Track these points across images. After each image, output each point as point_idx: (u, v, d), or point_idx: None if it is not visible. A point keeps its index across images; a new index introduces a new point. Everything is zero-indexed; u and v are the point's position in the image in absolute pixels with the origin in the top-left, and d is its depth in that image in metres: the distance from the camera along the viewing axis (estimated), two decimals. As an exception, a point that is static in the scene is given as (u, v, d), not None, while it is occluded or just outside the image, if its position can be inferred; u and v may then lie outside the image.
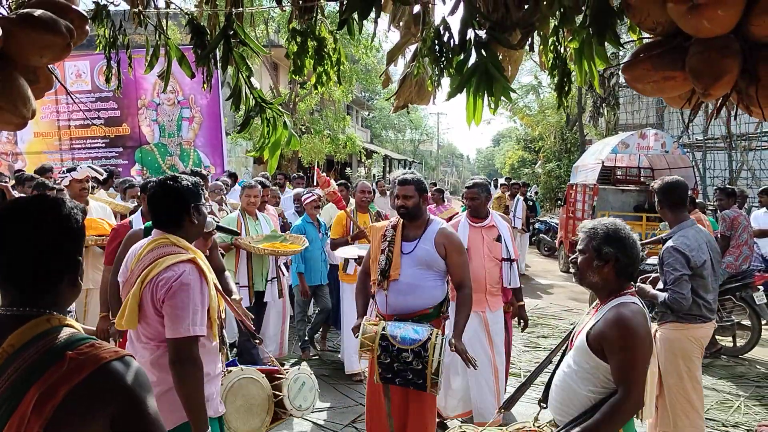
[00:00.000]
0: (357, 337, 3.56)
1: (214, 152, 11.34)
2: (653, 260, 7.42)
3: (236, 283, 5.33)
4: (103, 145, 11.41)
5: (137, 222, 4.38)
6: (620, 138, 10.61)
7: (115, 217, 5.65)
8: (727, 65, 1.47)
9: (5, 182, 5.56)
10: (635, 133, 10.58)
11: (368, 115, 39.74)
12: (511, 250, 4.56)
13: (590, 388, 2.35)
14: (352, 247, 5.68)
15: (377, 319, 3.58)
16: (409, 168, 33.10)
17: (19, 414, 1.26)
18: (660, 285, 3.90)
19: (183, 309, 2.27)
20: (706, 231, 3.99)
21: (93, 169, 5.46)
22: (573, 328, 2.66)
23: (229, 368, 2.81)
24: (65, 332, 1.37)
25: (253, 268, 5.53)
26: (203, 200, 2.40)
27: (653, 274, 4.14)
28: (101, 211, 5.33)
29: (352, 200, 6.90)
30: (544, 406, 2.66)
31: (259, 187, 5.88)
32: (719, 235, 6.56)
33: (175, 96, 11.17)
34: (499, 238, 4.55)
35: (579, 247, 2.52)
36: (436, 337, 3.31)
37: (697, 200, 7.15)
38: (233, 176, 10.33)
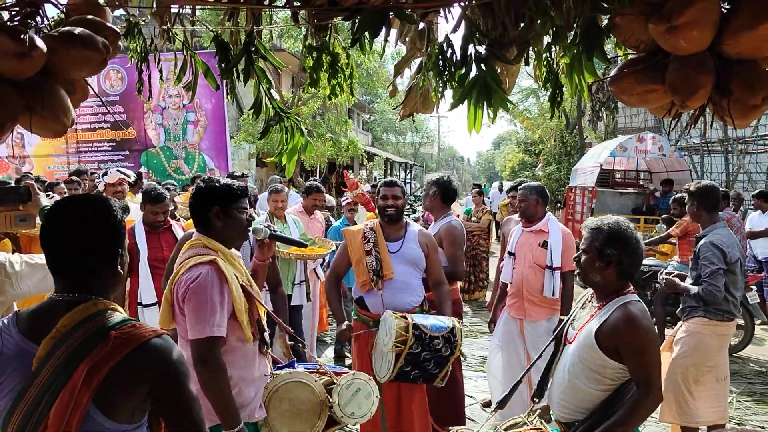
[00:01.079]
0: (345, 337, 3.72)
1: (219, 155, 11.52)
2: (650, 261, 7.61)
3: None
4: (110, 148, 11.60)
5: (138, 226, 4.53)
6: (618, 141, 10.78)
7: None
8: (702, 80, 1.64)
9: (31, 182, 5.75)
10: (633, 136, 10.75)
11: (369, 118, 39.93)
12: (556, 258, 4.34)
13: (597, 386, 2.40)
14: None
15: (397, 313, 3.52)
16: (410, 171, 32.96)
17: (70, 386, 1.43)
18: (689, 280, 4.12)
19: (200, 310, 2.32)
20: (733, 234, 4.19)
21: (122, 172, 5.61)
22: (563, 325, 2.71)
23: (278, 372, 2.72)
24: (110, 315, 1.55)
25: (280, 271, 5.54)
26: (240, 204, 2.44)
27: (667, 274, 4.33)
28: (136, 214, 5.37)
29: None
30: (537, 401, 2.73)
31: (287, 190, 5.90)
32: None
33: (180, 100, 11.35)
34: (544, 244, 4.39)
35: (582, 246, 2.52)
36: (459, 324, 3.48)
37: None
38: (243, 176, 10.50)
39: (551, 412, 2.64)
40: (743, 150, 12.44)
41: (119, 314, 1.58)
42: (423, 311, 3.87)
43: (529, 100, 27.35)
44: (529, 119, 24.61)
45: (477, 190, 10.47)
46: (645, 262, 7.44)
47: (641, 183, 12.12)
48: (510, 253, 4.64)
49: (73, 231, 1.56)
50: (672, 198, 7.20)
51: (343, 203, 6.61)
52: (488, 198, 16.87)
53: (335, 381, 2.75)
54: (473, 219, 9.58)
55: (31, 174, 8.86)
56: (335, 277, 4.06)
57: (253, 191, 7.98)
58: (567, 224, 12.03)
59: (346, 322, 3.79)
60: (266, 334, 2.64)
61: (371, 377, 2.85)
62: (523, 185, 4.70)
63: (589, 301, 2.63)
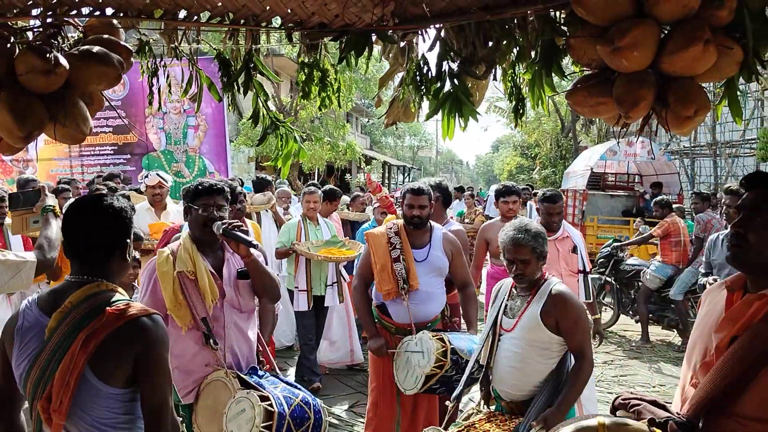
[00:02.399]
0: (382, 354, 3.55)
1: (219, 159, 11.75)
2: (633, 260, 7.85)
3: (295, 287, 5.53)
4: (112, 152, 11.82)
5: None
6: (608, 145, 11.04)
7: None
8: (643, 94, 1.88)
9: (42, 184, 5.98)
10: (623, 140, 11.01)
11: (368, 121, 40.18)
12: (586, 261, 4.35)
13: (547, 360, 2.80)
14: None
15: (433, 332, 3.49)
16: (408, 174, 33.11)
17: (71, 352, 1.74)
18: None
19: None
20: None
21: (159, 176, 5.79)
22: (496, 317, 2.96)
23: (218, 368, 2.79)
24: (109, 295, 1.84)
25: (311, 272, 5.59)
26: (198, 201, 2.86)
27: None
28: (179, 216, 5.38)
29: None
30: (483, 389, 3.00)
31: (319, 192, 6.04)
32: (694, 237, 7.00)
33: (181, 105, 11.58)
34: (575, 249, 4.35)
35: (520, 257, 2.81)
36: None
37: (674, 205, 7.59)
38: (241, 182, 10.73)
39: (497, 395, 2.95)
40: (731, 154, 12.70)
41: (119, 295, 1.86)
42: (444, 317, 3.84)
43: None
44: (525, 123, 24.88)
45: (469, 193, 10.74)
46: (628, 261, 7.69)
47: (631, 186, 12.38)
48: None
49: (80, 225, 1.88)
50: (654, 201, 7.46)
51: (374, 206, 6.70)
52: (485, 200, 17.11)
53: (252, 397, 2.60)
54: (466, 221, 9.84)
55: (36, 178, 9.08)
56: (363, 285, 3.84)
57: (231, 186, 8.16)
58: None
59: (382, 339, 3.64)
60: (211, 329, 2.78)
61: (262, 404, 2.53)
62: (551, 193, 4.53)
63: (519, 294, 2.94)
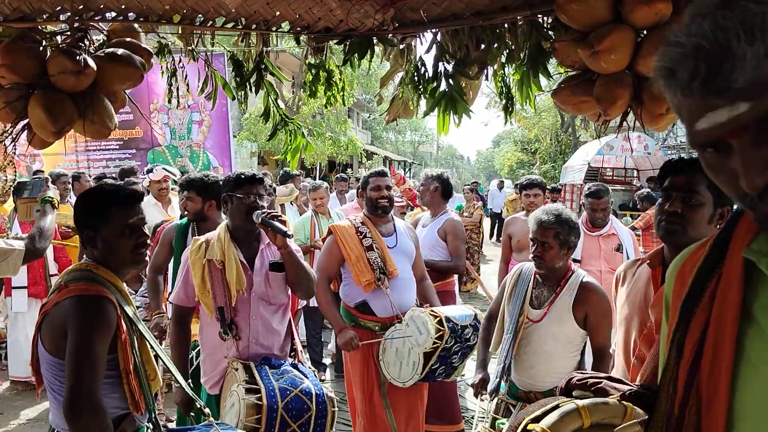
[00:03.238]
0: (354, 346, 3.36)
1: (223, 154, 11.94)
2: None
3: None
4: (117, 147, 12.00)
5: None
6: (605, 140, 11.22)
7: None
8: (620, 93, 2.06)
9: (45, 176, 6.14)
10: (619, 135, 11.18)
11: (369, 116, 40.33)
12: None
13: (572, 353, 2.74)
14: None
15: (425, 307, 3.40)
16: (409, 169, 33.05)
17: (36, 322, 1.98)
18: None
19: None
20: None
21: (167, 170, 5.88)
22: (518, 312, 2.79)
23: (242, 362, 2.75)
24: (83, 274, 1.99)
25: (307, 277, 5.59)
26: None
27: None
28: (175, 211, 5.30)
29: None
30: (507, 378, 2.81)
31: (325, 185, 6.02)
32: None
33: (185, 101, 11.76)
34: (619, 248, 4.17)
35: (544, 239, 2.67)
36: (475, 309, 3.37)
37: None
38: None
39: (513, 384, 2.85)
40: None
41: (91, 275, 1.98)
42: (420, 305, 3.65)
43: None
44: (525, 118, 25.04)
45: (469, 187, 10.94)
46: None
47: (628, 180, 12.57)
48: (574, 260, 4.08)
49: (77, 213, 2.07)
50: (636, 194, 7.68)
51: (396, 204, 6.69)
52: (486, 195, 17.28)
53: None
54: (465, 214, 10.04)
55: (43, 171, 9.27)
56: (326, 280, 3.67)
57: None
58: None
59: (352, 332, 3.46)
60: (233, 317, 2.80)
61: (248, 397, 2.50)
62: (596, 188, 4.33)
63: (544, 284, 2.80)
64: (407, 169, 38.52)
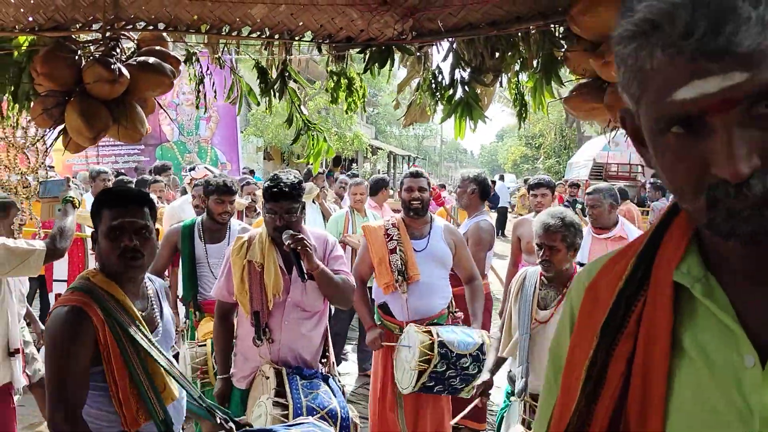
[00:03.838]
0: (377, 346, 3.47)
1: (230, 149, 12.06)
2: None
3: None
4: (126, 143, 12.10)
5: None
6: (611, 135, 11.28)
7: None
8: (629, 101, 2.17)
9: (67, 175, 6.26)
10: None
11: (373, 111, 40.39)
12: None
13: None
14: None
15: (425, 325, 3.34)
16: (413, 163, 33.21)
17: None
18: None
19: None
20: None
21: (208, 169, 5.93)
22: (529, 312, 2.78)
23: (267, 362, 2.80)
24: (77, 282, 1.98)
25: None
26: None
27: None
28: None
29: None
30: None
31: (366, 183, 5.97)
32: (650, 224, 7.37)
33: (193, 98, 11.87)
34: None
35: (551, 244, 2.69)
36: (488, 338, 3.26)
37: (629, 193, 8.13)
38: (251, 172, 11.04)
39: (530, 387, 2.76)
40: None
41: (86, 283, 1.95)
42: (450, 313, 3.69)
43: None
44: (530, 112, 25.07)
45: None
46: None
47: (633, 176, 12.66)
48: (581, 264, 4.19)
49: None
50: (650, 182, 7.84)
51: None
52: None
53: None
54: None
55: (53, 167, 9.39)
56: (359, 281, 3.62)
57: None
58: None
59: (379, 330, 3.55)
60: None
61: (275, 412, 2.51)
62: (594, 189, 4.27)
63: (550, 285, 2.83)
64: (411, 163, 38.58)
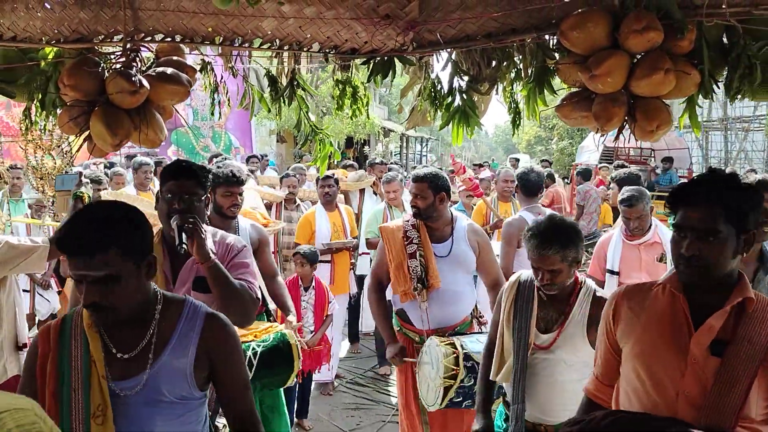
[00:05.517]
0: (398, 362, 3.23)
1: (244, 134, 12.26)
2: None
3: None
4: (142, 128, 12.33)
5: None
6: (600, 140, 11.33)
7: (267, 208, 5.58)
8: (615, 111, 2.30)
9: (80, 170, 6.37)
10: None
11: (385, 91, 40.30)
12: None
13: (578, 377, 2.38)
14: None
15: (447, 336, 3.12)
16: (426, 145, 33.02)
17: None
18: None
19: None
20: None
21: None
22: (522, 333, 2.49)
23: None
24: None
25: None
26: None
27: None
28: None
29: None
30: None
31: (399, 177, 5.82)
32: (576, 205, 8.63)
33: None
34: (662, 258, 3.73)
35: (548, 267, 2.41)
36: None
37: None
38: (263, 156, 11.19)
39: (527, 417, 2.50)
40: (744, 129, 12.90)
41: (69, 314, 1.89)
42: (474, 317, 3.47)
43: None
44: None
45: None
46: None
47: (644, 160, 12.67)
48: (612, 272, 3.93)
49: None
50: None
51: (458, 190, 6.22)
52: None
53: None
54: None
55: (149, 161, 9.49)
56: (377, 285, 3.42)
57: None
58: (572, 199, 12.64)
59: (399, 345, 3.28)
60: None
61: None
62: (629, 197, 3.75)
63: (551, 303, 2.53)
64: (424, 144, 38.58)
